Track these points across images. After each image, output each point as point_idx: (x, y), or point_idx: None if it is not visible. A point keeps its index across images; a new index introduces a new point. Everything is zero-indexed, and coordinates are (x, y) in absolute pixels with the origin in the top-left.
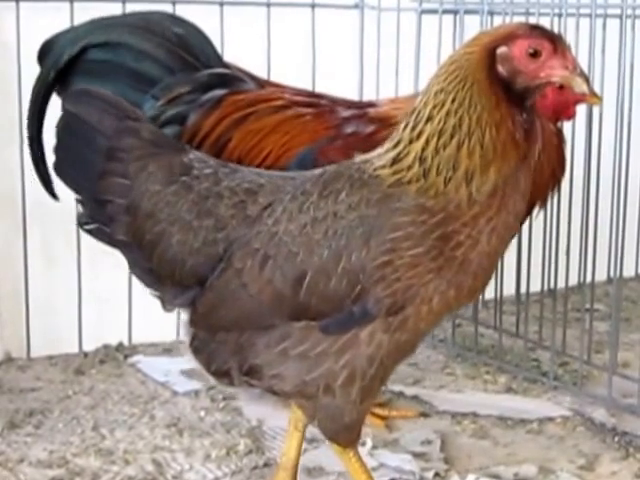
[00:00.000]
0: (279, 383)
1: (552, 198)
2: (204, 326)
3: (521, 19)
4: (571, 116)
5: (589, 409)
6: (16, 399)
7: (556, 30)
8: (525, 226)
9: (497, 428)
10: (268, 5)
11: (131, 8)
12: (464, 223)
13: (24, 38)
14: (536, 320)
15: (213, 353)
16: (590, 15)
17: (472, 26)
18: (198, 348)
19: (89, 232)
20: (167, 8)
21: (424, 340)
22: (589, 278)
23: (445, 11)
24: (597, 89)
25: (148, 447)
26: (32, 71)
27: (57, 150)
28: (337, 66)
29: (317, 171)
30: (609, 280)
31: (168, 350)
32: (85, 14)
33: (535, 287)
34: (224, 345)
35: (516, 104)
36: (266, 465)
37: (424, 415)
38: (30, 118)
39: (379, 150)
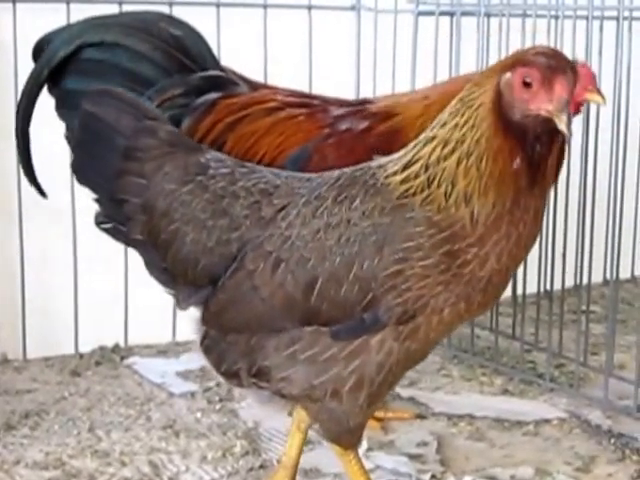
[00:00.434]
0: (287, 386)
1: (551, 190)
2: (215, 325)
3: (518, 21)
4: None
5: (585, 411)
6: (12, 400)
7: (552, 32)
8: None
9: (493, 430)
10: (265, 6)
11: (127, 9)
12: (470, 244)
13: (21, 39)
14: (532, 322)
15: (223, 353)
16: (587, 17)
17: (469, 28)
18: (209, 347)
19: (106, 231)
20: (163, 9)
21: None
22: (585, 280)
23: (442, 13)
24: None
25: (144, 448)
26: (29, 71)
27: (76, 149)
28: (334, 68)
29: (334, 174)
30: (605, 282)
31: (164, 352)
32: (81, 15)
33: (531, 289)
34: (235, 346)
35: (521, 133)
36: (262, 467)
37: (420, 417)
38: (19, 112)
39: (399, 153)
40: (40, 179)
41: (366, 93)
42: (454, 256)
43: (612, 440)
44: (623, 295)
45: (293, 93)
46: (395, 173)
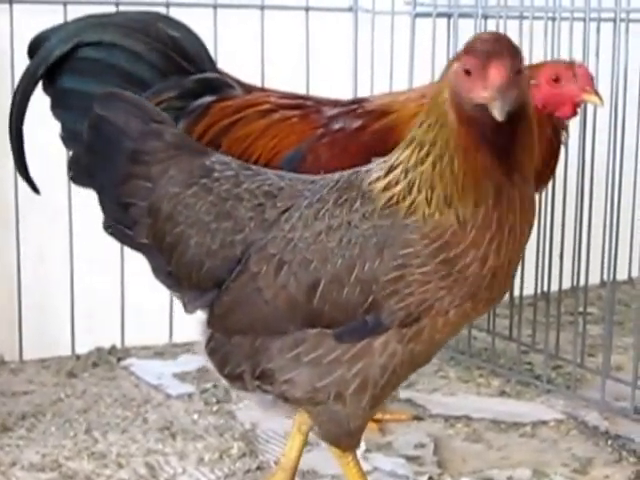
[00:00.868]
0: (291, 389)
1: (546, 189)
2: (220, 328)
3: (515, 23)
4: (567, 115)
5: (582, 412)
6: (8, 402)
7: (549, 34)
8: None
9: (490, 431)
10: (262, 8)
11: (124, 11)
12: (465, 249)
13: (17, 40)
14: (529, 323)
15: (227, 355)
16: (584, 19)
17: (466, 30)
18: (214, 349)
19: (113, 236)
20: (160, 10)
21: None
22: (582, 281)
23: (439, 14)
24: None
25: (141, 450)
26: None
27: (86, 153)
28: (331, 69)
29: (334, 176)
30: (602, 283)
31: (161, 353)
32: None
33: (529, 290)
34: (239, 348)
35: (478, 125)
36: (259, 468)
37: (417, 418)
38: (13, 109)
39: (386, 157)
40: (36, 179)
41: (364, 94)
42: (452, 263)
43: (609, 441)
44: (620, 297)
45: (287, 95)
46: (378, 179)
